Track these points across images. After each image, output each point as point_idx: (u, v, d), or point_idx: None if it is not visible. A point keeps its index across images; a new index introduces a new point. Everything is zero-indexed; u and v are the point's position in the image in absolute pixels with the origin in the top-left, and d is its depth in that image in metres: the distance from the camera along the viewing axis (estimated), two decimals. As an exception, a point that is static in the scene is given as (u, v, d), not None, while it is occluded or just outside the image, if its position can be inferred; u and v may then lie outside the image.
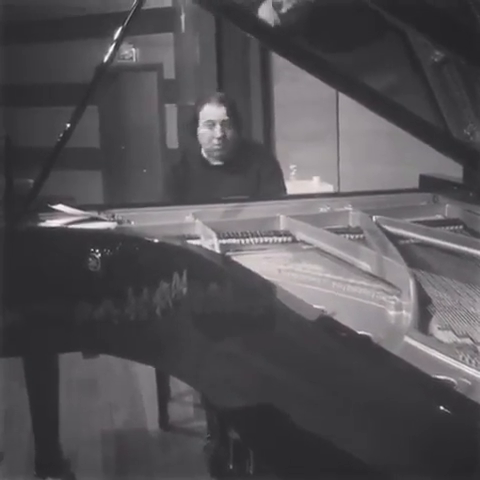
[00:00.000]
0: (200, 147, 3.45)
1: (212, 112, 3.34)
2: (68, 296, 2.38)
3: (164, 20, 7.97)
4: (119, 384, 4.10)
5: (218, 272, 2.10)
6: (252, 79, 7.20)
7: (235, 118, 3.38)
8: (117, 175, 9.23)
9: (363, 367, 1.51)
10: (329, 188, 6.18)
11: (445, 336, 1.64)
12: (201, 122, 3.36)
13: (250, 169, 3.38)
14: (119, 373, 4.10)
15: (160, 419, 3.62)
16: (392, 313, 1.84)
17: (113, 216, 2.84)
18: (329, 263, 2.38)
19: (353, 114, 6.56)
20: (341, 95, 6.62)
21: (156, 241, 2.29)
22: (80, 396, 3.84)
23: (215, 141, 3.34)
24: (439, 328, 1.69)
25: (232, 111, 3.36)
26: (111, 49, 2.68)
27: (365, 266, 2.21)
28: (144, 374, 3.86)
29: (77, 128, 2.64)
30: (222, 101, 3.36)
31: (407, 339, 1.58)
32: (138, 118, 9.08)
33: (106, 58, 2.68)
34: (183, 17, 7.58)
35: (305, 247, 2.60)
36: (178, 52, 7.88)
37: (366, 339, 1.61)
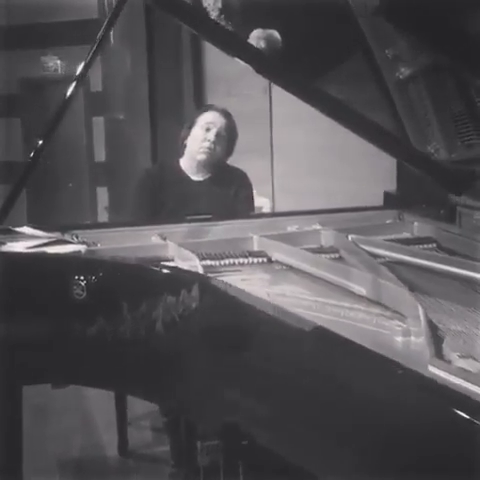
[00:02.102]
0: (178, 161, 3.39)
1: (214, 118, 3.35)
2: (47, 324, 2.27)
3: (90, 32, 7.81)
4: (74, 409, 3.95)
5: (212, 295, 2.01)
6: (185, 92, 7.13)
7: (230, 139, 3.39)
8: (41, 189, 8.99)
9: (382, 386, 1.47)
10: (265, 202, 6.16)
11: (468, 364, 1.59)
12: (198, 125, 3.34)
13: (227, 190, 3.38)
14: (73, 398, 3.95)
15: (119, 445, 3.51)
16: (399, 339, 1.79)
17: (77, 237, 2.74)
18: (312, 285, 2.32)
19: (287, 128, 6.58)
20: (275, 109, 6.70)
21: (143, 266, 2.20)
22: (33, 423, 3.67)
23: (206, 144, 3.31)
24: (460, 356, 1.64)
25: (230, 131, 3.38)
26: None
27: (358, 289, 2.16)
28: (100, 398, 3.73)
29: None
30: (227, 116, 3.36)
31: (431, 369, 1.53)
32: (63, 131, 8.87)
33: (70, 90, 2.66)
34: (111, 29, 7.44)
35: (278, 267, 2.55)
36: (106, 64, 7.74)
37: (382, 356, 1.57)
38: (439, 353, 1.65)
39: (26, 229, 2.71)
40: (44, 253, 2.48)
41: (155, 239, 2.81)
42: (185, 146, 3.40)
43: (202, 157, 3.34)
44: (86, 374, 2.34)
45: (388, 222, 3.02)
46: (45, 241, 2.63)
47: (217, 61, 6.83)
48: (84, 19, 7.82)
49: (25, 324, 2.30)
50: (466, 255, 2.48)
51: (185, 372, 2.04)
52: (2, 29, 8.36)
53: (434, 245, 2.68)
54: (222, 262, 2.54)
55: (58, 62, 8.65)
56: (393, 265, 2.47)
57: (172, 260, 2.55)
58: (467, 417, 1.25)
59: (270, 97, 6.73)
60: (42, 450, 3.48)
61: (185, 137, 3.39)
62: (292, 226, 2.97)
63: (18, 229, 2.70)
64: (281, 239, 2.70)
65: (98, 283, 2.19)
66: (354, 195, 5.68)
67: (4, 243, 2.62)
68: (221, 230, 2.95)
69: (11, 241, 2.65)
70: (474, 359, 1.61)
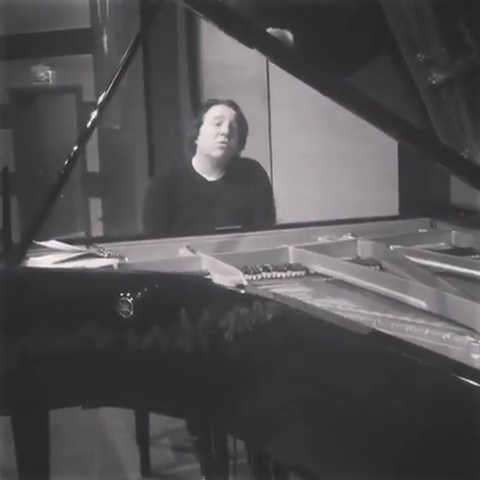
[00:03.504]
0: (190, 162, 3.26)
1: (222, 111, 3.19)
2: (95, 342, 2.15)
3: (82, 41, 7.73)
4: (92, 429, 3.82)
5: (289, 309, 1.90)
6: (181, 100, 7.05)
7: (241, 130, 3.23)
8: (34, 200, 8.88)
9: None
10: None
11: None
12: (207, 121, 3.18)
13: (245, 186, 3.24)
14: (91, 417, 3.81)
15: (142, 465, 3.38)
16: (476, 357, 1.69)
17: (102, 250, 2.63)
18: (361, 298, 2.21)
19: (286, 135, 6.51)
20: (273, 117, 6.62)
21: (193, 280, 2.10)
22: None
23: (220, 138, 3.15)
24: None
25: (241, 122, 3.22)
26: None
27: (417, 302, 2.06)
28: (118, 417, 3.61)
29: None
30: (235, 106, 3.22)
31: None
32: (56, 141, 8.76)
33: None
34: (105, 38, 7.35)
35: (315, 280, 2.45)
36: (100, 74, 7.62)
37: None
38: None
39: (52, 243, 2.60)
40: (88, 269, 2.37)
41: (184, 252, 2.70)
42: (196, 146, 3.24)
43: (219, 153, 3.16)
44: (127, 395, 2.23)
45: (421, 231, 2.93)
46: (73, 255, 2.52)
47: (214, 69, 6.77)
48: (76, 28, 7.74)
49: (62, 345, 2.18)
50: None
51: (251, 386, 1.94)
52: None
53: (477, 256, 2.58)
54: (259, 276, 2.45)
55: (49, 72, 8.54)
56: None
57: (207, 274, 2.44)
58: None
59: (268, 104, 6.66)
60: (61, 472, 3.33)
61: (195, 137, 3.22)
62: (323, 236, 2.87)
63: (44, 243, 2.59)
64: (317, 250, 2.61)
65: (146, 298, 2.08)
66: (357, 202, 5.63)
67: (28, 258, 2.51)
68: (248, 240, 2.85)
69: (35, 256, 2.53)
70: None
